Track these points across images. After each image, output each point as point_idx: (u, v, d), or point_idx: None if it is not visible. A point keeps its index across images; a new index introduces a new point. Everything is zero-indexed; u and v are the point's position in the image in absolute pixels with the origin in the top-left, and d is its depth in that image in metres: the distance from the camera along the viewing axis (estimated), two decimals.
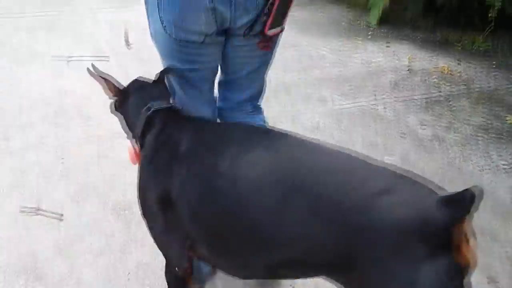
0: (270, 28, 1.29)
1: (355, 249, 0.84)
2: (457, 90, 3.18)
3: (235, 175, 1.01)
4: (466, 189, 0.79)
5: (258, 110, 1.66)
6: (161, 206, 1.14)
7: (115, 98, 1.36)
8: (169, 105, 1.31)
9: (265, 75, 1.59)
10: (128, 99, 1.33)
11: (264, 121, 1.66)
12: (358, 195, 0.87)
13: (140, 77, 1.40)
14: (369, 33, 4.45)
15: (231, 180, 1.00)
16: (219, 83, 1.59)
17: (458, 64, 3.70)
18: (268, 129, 1.28)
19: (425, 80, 3.33)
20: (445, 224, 0.80)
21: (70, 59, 3.48)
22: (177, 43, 1.30)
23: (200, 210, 1.06)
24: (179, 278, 1.25)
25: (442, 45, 4.16)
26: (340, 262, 0.87)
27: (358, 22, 4.85)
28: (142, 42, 3.75)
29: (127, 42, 4.16)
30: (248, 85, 1.56)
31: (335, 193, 0.89)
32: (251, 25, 1.29)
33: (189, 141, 1.14)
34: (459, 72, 3.52)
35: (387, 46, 4.11)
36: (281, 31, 1.37)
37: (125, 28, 3.99)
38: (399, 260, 0.81)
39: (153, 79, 1.37)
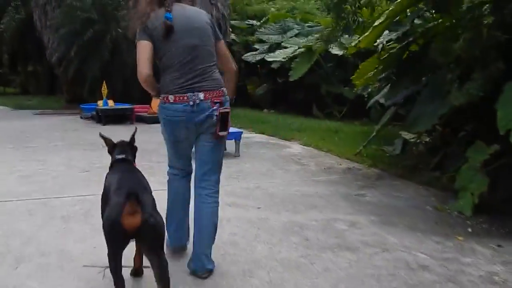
0: (220, 131, 2.68)
1: None
2: None
3: (112, 181, 2.37)
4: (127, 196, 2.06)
5: (216, 193, 2.82)
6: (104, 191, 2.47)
7: (108, 147, 2.77)
8: (122, 157, 2.66)
9: (217, 159, 2.79)
10: (112, 149, 2.74)
11: (217, 203, 2.82)
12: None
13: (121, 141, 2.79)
14: (468, 228, 3.65)
15: (112, 183, 2.36)
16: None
17: None
18: (129, 171, 2.58)
19: None
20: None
21: (105, 269, 2.75)
22: (173, 142, 2.81)
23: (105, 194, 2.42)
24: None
25: None
26: None
27: (447, 208, 4.08)
28: None
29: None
30: (206, 161, 2.76)
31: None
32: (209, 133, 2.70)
33: (111, 170, 2.62)
34: None
35: (500, 247, 3.27)
36: (227, 133, 2.74)
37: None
38: None
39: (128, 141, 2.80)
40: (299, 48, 12.44)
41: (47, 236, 3.37)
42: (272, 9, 18.23)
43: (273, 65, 13.23)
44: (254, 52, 14.45)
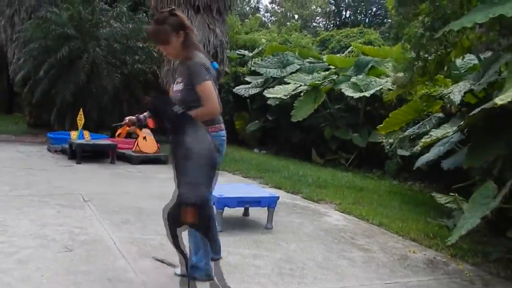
0: None
1: None
2: None
3: None
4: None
5: None
6: None
7: None
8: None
9: None
10: None
11: None
12: None
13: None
14: None
15: None
16: None
17: None
18: None
19: None
20: None
21: None
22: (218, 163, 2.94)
23: None
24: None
25: None
26: None
27: None
28: None
29: None
30: None
31: None
32: None
33: None
34: None
35: None
36: None
37: None
38: None
39: None
40: (302, 85, 11.13)
41: None
42: (263, 39, 17.05)
43: (270, 102, 11.86)
44: (247, 86, 13.06)
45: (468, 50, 5.26)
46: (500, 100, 3.37)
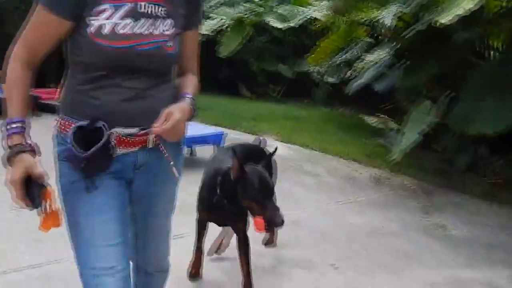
0: None
1: None
2: None
3: None
4: None
5: None
6: None
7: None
8: None
9: None
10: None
11: None
12: None
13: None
14: None
15: None
16: None
17: None
18: None
19: None
20: None
21: None
22: None
23: None
24: None
25: None
26: None
27: None
28: None
29: None
30: None
31: None
32: None
33: None
34: None
35: None
36: None
37: None
38: None
39: None
40: (226, 20, 10.86)
41: None
42: None
43: None
44: None
45: None
46: (443, 19, 3.49)
